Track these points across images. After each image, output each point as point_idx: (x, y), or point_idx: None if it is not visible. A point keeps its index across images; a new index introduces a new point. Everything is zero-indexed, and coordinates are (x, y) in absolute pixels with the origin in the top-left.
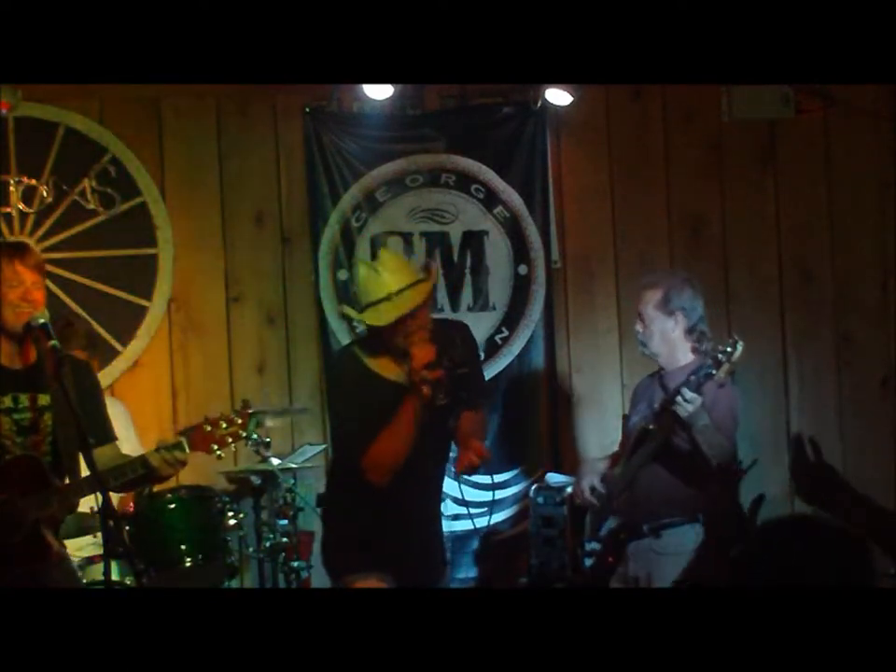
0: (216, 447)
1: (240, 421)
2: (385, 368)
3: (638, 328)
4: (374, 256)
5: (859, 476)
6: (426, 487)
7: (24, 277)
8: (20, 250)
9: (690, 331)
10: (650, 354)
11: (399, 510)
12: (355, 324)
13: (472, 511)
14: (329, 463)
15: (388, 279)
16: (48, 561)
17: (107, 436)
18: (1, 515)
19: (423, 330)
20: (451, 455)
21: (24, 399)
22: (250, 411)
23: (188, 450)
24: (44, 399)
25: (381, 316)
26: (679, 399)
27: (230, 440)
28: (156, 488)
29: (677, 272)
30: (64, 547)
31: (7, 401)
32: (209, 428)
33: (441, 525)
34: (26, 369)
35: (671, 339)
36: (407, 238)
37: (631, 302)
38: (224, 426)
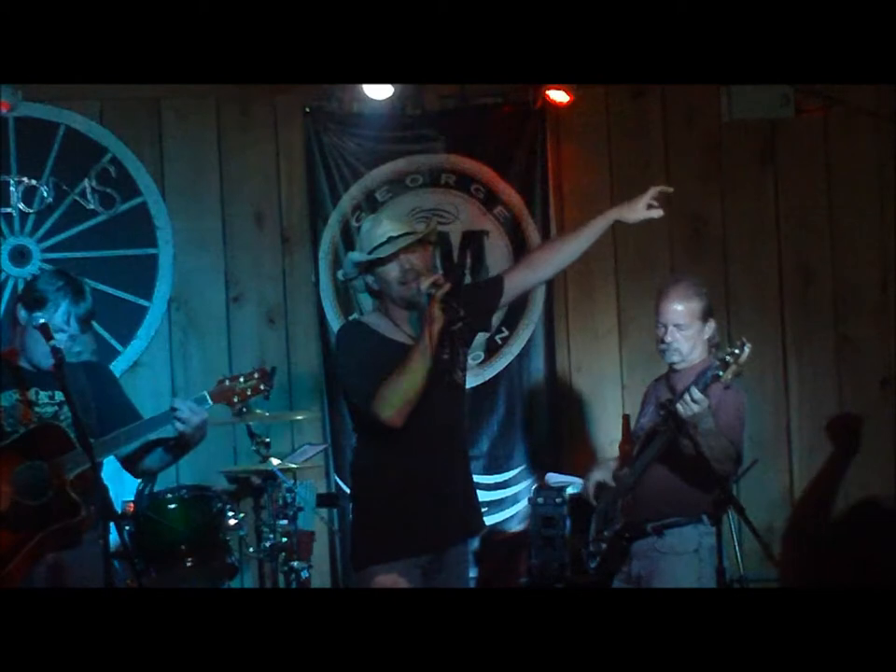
0: (237, 399)
1: (257, 375)
2: (393, 332)
3: (659, 332)
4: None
5: (859, 476)
6: (450, 443)
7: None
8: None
9: (704, 332)
10: (670, 355)
11: (427, 472)
12: (353, 318)
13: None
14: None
15: (388, 225)
16: (78, 517)
17: (136, 417)
18: (30, 478)
19: (426, 273)
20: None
21: (44, 396)
22: (269, 370)
23: (210, 402)
24: (60, 396)
25: (383, 251)
26: (685, 397)
27: (250, 392)
28: (156, 488)
29: (682, 273)
30: (91, 511)
31: (31, 395)
32: (228, 383)
33: (473, 486)
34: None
35: (688, 337)
36: None
37: (631, 302)
38: (243, 380)
